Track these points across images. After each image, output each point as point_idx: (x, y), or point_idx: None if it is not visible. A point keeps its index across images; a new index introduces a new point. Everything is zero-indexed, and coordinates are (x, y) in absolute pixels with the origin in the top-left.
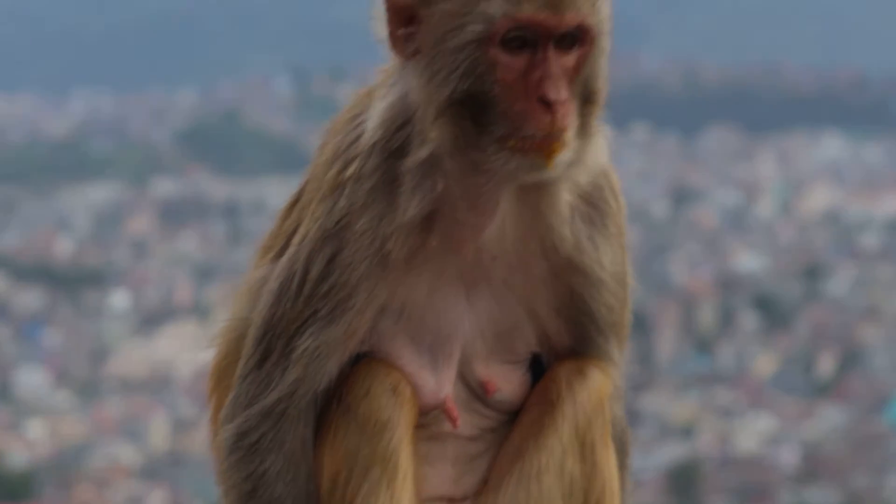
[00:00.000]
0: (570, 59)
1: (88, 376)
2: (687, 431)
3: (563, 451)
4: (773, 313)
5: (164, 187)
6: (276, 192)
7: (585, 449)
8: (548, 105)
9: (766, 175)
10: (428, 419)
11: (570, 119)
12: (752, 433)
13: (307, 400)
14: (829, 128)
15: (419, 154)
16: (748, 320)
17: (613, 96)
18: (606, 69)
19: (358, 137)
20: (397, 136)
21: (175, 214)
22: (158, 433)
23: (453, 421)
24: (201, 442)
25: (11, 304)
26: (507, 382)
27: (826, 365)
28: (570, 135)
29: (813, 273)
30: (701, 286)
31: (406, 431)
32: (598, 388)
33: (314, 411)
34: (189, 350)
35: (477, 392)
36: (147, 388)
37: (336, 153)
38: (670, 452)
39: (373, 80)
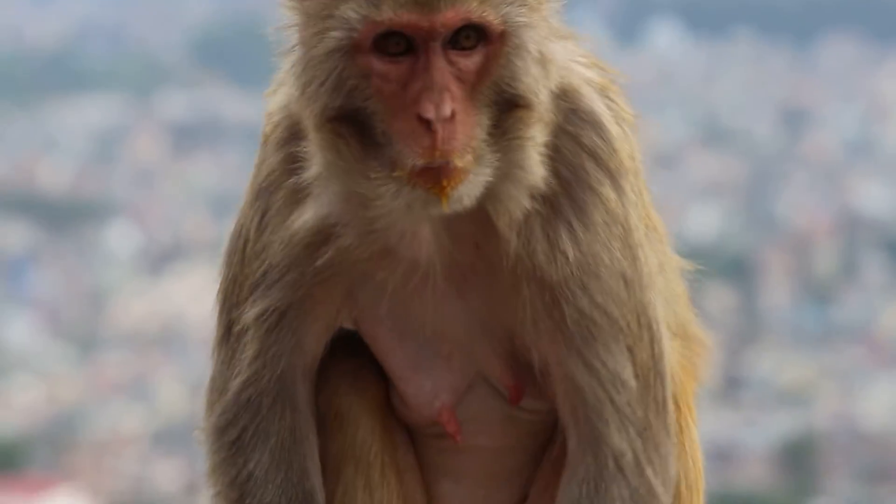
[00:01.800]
0: (471, 61)
1: (86, 327)
2: (801, 399)
3: None
4: None
5: (173, 104)
6: None
7: None
8: (427, 124)
9: None
10: (441, 429)
11: (460, 139)
12: (880, 401)
13: (284, 380)
14: None
15: (310, 171)
16: (874, 266)
17: (712, 0)
18: (542, 64)
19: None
20: (293, 143)
21: (186, 136)
22: (170, 395)
23: (452, 435)
24: None
25: None
26: (534, 386)
27: None
28: (466, 160)
29: None
30: (818, 226)
31: (374, 421)
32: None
33: (304, 394)
34: (204, 296)
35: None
36: (156, 340)
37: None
38: (781, 423)
39: None
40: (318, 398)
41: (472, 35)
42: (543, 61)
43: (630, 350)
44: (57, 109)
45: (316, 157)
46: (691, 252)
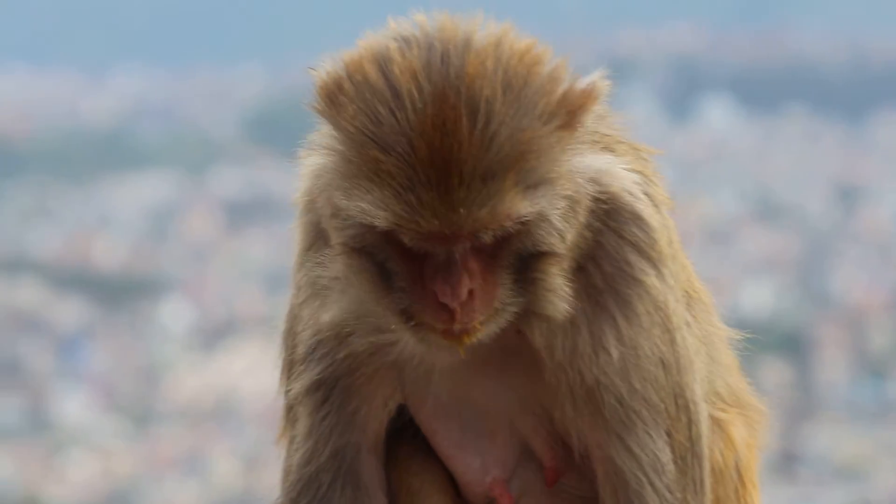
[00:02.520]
0: (492, 242)
1: (140, 402)
2: (858, 474)
3: None
4: None
5: (226, 180)
6: None
7: None
8: (445, 306)
9: None
10: None
11: (480, 311)
12: None
13: (343, 457)
14: None
15: (331, 270)
16: None
17: (765, 75)
18: (569, 210)
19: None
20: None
21: (239, 212)
22: (224, 470)
23: None
24: (276, 479)
25: (48, 317)
26: (572, 468)
27: None
28: (481, 325)
29: None
30: (873, 301)
31: (445, 499)
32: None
33: (369, 472)
34: (257, 370)
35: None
36: (210, 416)
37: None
38: (838, 499)
39: None
40: (389, 475)
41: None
42: (571, 208)
43: (668, 434)
44: (111, 187)
45: (337, 263)
46: (746, 327)
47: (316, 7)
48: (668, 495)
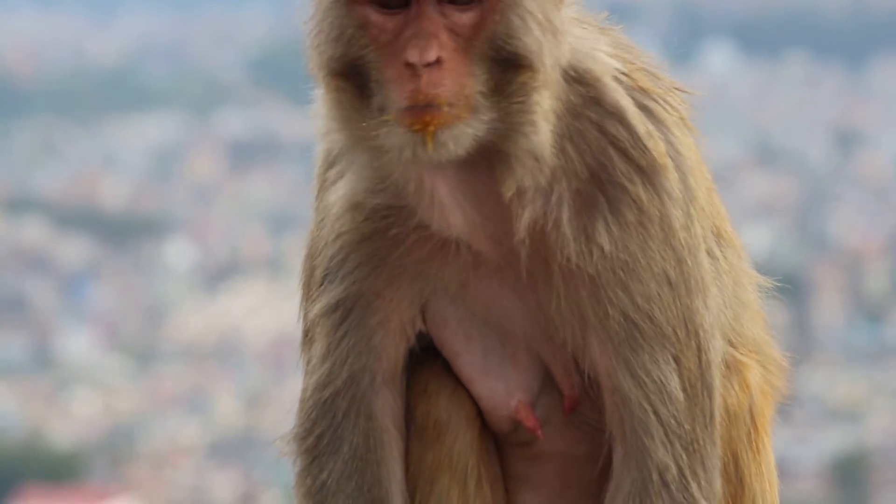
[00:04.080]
0: (466, 15)
1: (143, 341)
2: (853, 415)
3: None
4: None
5: (231, 122)
6: None
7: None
8: (413, 69)
9: None
10: (524, 435)
11: (448, 86)
12: None
13: (358, 384)
14: None
15: (334, 144)
16: None
17: (765, 22)
18: (548, 30)
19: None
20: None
21: (243, 154)
22: (226, 407)
23: (534, 431)
24: (277, 418)
25: (53, 256)
26: (589, 398)
27: None
28: (455, 107)
29: None
30: (870, 245)
31: (473, 431)
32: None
33: (383, 402)
34: (261, 311)
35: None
36: (213, 354)
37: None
38: (833, 440)
39: None
40: (416, 409)
41: None
42: (551, 28)
43: (676, 360)
44: (117, 127)
45: (325, 118)
46: None
47: None
48: (674, 425)
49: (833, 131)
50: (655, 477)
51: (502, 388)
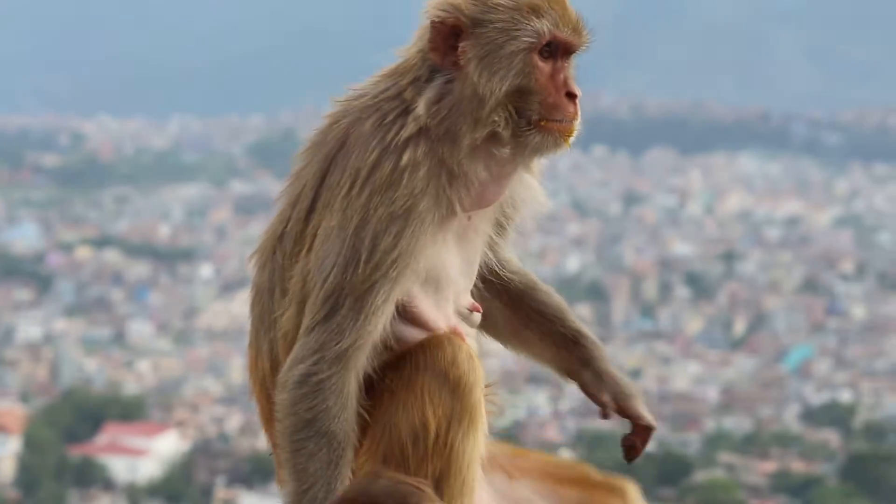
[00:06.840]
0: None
1: (183, 328)
2: (635, 374)
3: None
4: (699, 287)
5: (239, 188)
6: None
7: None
8: (572, 98)
9: (695, 184)
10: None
11: (580, 113)
12: (684, 376)
13: (366, 351)
14: (743, 149)
15: (476, 134)
16: (681, 292)
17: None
18: None
19: (396, 133)
20: (442, 126)
21: (247, 208)
22: (236, 370)
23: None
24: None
25: (125, 273)
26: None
27: (739, 325)
28: (578, 126)
29: (730, 257)
30: (646, 266)
31: (481, 388)
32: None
33: (366, 363)
34: None
35: (465, 317)
36: (227, 336)
37: (376, 150)
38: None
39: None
40: (449, 370)
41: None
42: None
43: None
44: (166, 191)
45: (488, 124)
46: (566, 282)
47: (298, 80)
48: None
49: (622, 194)
50: None
51: (442, 322)
